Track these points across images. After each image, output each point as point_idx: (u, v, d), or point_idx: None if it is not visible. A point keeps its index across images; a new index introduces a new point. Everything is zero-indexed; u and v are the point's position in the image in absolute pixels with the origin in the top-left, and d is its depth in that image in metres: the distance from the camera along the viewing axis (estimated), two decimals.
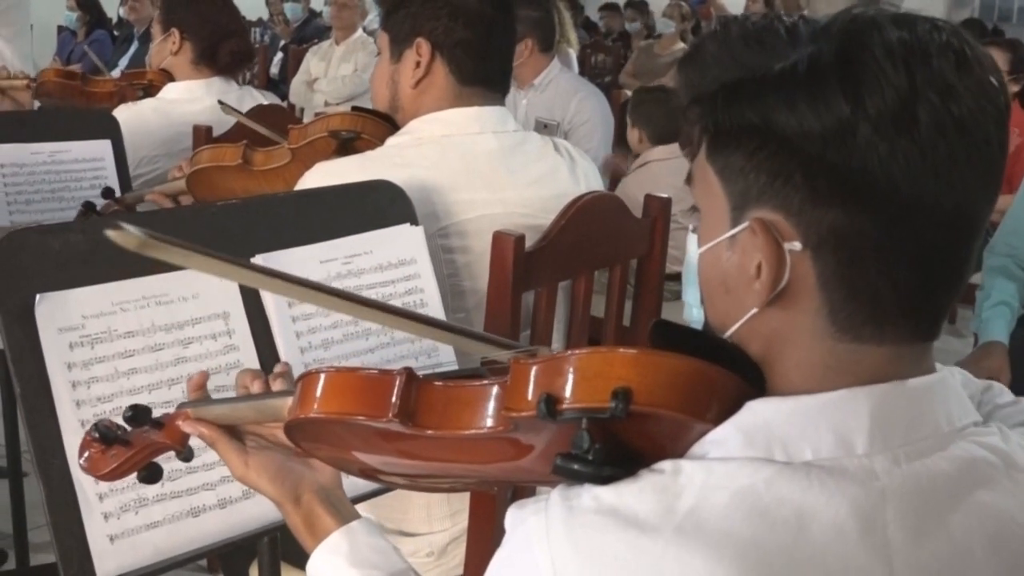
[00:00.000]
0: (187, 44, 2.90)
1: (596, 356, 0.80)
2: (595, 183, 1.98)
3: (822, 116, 0.76)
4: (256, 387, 1.15)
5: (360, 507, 1.18)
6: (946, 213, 0.78)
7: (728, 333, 0.85)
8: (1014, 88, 4.51)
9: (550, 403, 0.79)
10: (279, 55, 7.90)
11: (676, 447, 0.81)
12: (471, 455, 0.91)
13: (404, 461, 0.98)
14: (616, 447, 0.79)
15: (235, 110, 2.53)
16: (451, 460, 0.93)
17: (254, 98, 2.99)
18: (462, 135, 1.80)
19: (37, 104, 3.03)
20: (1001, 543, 0.81)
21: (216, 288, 1.39)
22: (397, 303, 1.55)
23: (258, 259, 1.44)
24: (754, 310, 0.82)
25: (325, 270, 1.52)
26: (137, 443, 1.16)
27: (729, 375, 0.81)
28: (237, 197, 2.10)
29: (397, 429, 0.91)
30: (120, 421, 1.16)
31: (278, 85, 7.04)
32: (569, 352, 0.81)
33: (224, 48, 2.91)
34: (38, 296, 1.26)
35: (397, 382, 0.92)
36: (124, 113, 2.67)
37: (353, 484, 1.21)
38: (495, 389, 0.87)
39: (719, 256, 0.85)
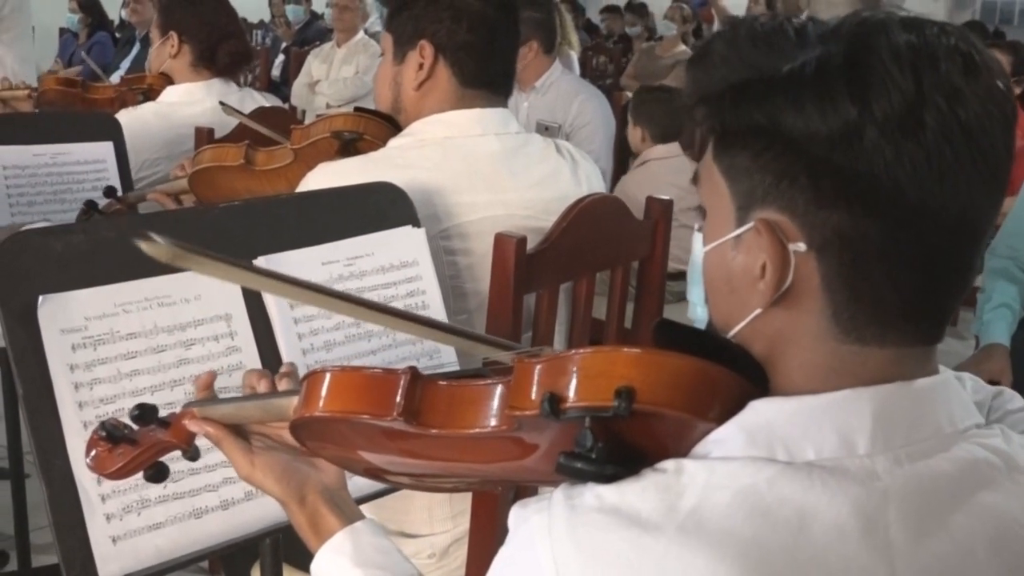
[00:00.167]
0: (186, 47, 2.90)
1: (599, 355, 0.80)
2: (597, 185, 1.98)
3: (829, 118, 0.76)
4: (262, 386, 1.15)
5: (362, 508, 1.18)
6: (951, 217, 0.78)
7: (732, 333, 0.85)
8: (1016, 91, 4.51)
9: (554, 402, 0.79)
10: (281, 57, 7.91)
11: (679, 446, 0.81)
12: (475, 454, 0.92)
13: (408, 460, 0.98)
14: (619, 446, 0.79)
15: (237, 111, 2.54)
16: (455, 459, 0.94)
17: (255, 100, 3.00)
18: (464, 137, 1.81)
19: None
20: (1002, 544, 0.81)
21: (218, 290, 1.39)
22: (399, 305, 1.55)
23: (260, 261, 1.44)
24: (758, 310, 0.82)
25: (327, 272, 1.52)
26: (144, 442, 1.16)
27: (732, 375, 0.81)
28: (239, 197, 2.11)
29: (401, 428, 0.91)
30: (127, 420, 1.16)
31: (280, 87, 7.04)
32: (573, 351, 0.81)
33: (223, 49, 2.91)
34: (40, 297, 1.26)
35: (402, 381, 0.92)
36: (125, 117, 2.67)
37: (356, 485, 1.22)
38: (499, 388, 0.87)
39: (724, 256, 0.85)
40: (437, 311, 1.62)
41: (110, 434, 1.15)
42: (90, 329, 1.29)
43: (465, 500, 1.73)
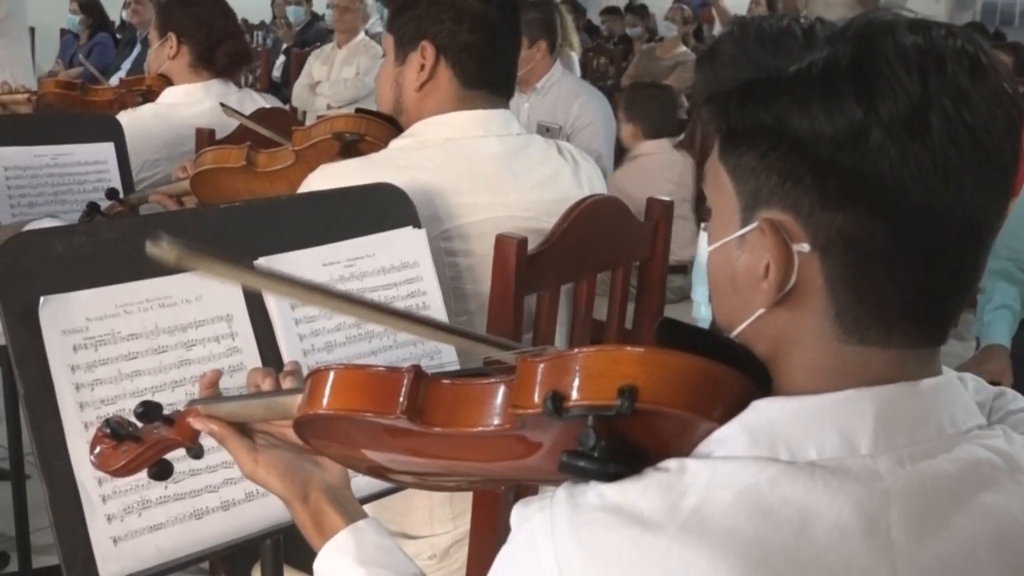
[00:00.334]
0: (184, 48, 2.91)
1: (602, 354, 0.80)
2: (598, 186, 1.98)
3: (835, 119, 0.76)
4: (266, 385, 1.16)
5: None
6: (956, 219, 0.78)
7: (735, 332, 0.85)
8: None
9: (556, 400, 0.79)
10: (281, 58, 7.92)
11: (681, 445, 0.81)
12: (478, 453, 0.92)
13: (412, 459, 0.98)
14: (622, 445, 0.79)
15: (238, 112, 2.54)
16: (458, 458, 0.94)
17: (254, 101, 3.00)
18: (466, 138, 1.81)
19: None
20: (1004, 545, 0.81)
21: (219, 290, 1.39)
22: (400, 306, 1.55)
23: (261, 261, 1.44)
24: (761, 310, 0.82)
25: (328, 273, 1.52)
26: (148, 439, 1.16)
27: (735, 374, 0.81)
28: (240, 198, 2.11)
29: (405, 426, 0.92)
30: (131, 418, 1.16)
31: (280, 88, 7.05)
32: (576, 350, 0.81)
33: (221, 50, 2.92)
34: (42, 298, 1.26)
35: (405, 379, 0.92)
36: (125, 119, 2.68)
37: (358, 486, 1.22)
38: (502, 387, 0.87)
39: (728, 255, 0.85)
40: (438, 312, 1.62)
41: (114, 431, 1.15)
42: (91, 330, 1.29)
43: (466, 501, 1.73)
